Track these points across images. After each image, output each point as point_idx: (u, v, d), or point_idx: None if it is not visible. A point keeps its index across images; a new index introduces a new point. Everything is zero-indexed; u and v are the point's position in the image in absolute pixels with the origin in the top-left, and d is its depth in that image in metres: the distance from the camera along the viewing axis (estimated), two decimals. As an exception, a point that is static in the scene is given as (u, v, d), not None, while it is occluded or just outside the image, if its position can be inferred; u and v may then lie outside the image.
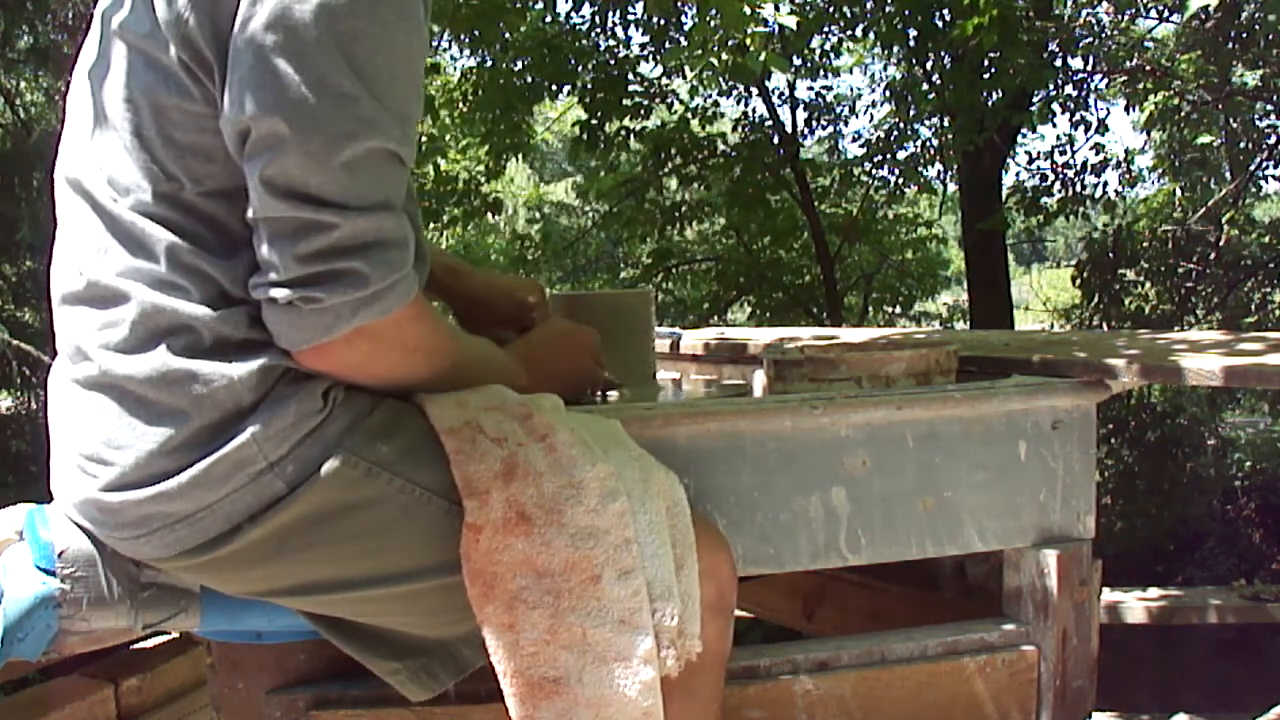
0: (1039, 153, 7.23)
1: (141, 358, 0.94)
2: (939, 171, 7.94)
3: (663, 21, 7.07)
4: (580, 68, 7.35)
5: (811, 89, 8.75)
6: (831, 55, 8.13)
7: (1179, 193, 8.34)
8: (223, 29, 0.92)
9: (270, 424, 0.94)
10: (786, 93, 8.72)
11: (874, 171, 8.00)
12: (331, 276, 0.90)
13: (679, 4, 6.24)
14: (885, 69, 9.59)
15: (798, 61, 7.60)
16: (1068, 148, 7.01)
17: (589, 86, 7.32)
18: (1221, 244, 6.89)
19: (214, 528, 0.95)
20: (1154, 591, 3.49)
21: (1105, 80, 6.90)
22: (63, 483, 1.01)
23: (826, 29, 7.16)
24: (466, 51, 7.32)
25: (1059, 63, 6.29)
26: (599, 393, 1.41)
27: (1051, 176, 7.01)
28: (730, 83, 7.76)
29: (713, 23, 3.32)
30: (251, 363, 0.94)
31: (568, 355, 1.29)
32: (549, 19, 7.34)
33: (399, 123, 0.93)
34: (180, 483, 0.93)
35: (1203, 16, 5.48)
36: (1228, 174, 8.41)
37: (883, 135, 7.67)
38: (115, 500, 0.95)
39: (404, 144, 0.94)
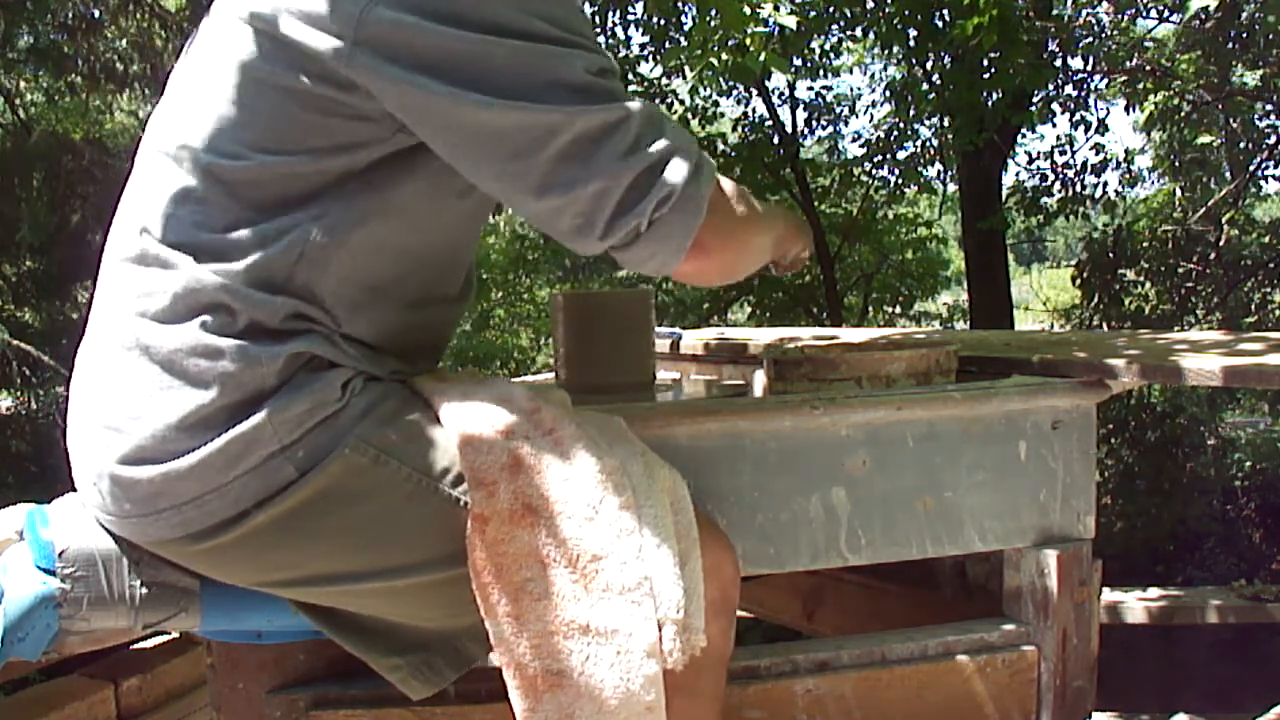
0: (1039, 153, 7.26)
1: (175, 329, 0.95)
2: (939, 171, 7.96)
3: (663, 21, 7.07)
4: (580, 68, 7.33)
5: (811, 89, 8.79)
6: (831, 55, 8.15)
7: (1179, 193, 8.36)
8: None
9: (288, 408, 0.95)
10: (786, 93, 8.75)
11: (874, 171, 8.02)
12: (655, 173, 0.95)
13: (679, 4, 6.23)
14: (885, 69, 9.61)
15: (798, 61, 7.60)
16: (1068, 148, 7.03)
17: (589, 87, 7.29)
18: (1221, 244, 6.89)
19: (220, 511, 0.96)
20: (1154, 591, 3.49)
21: (1105, 80, 6.90)
22: (82, 451, 1.01)
23: (826, 29, 7.16)
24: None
25: (1059, 63, 6.29)
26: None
27: (1051, 176, 7.03)
28: (730, 83, 7.77)
29: (713, 23, 3.32)
30: (280, 348, 0.95)
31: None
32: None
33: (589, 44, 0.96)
34: (191, 462, 0.94)
35: (1203, 16, 5.48)
36: (1228, 174, 8.42)
37: (883, 135, 7.69)
38: (128, 474, 0.96)
39: (598, 52, 0.96)
